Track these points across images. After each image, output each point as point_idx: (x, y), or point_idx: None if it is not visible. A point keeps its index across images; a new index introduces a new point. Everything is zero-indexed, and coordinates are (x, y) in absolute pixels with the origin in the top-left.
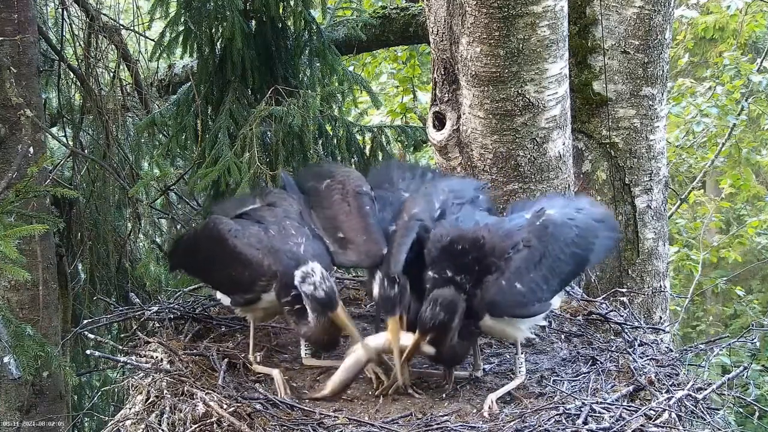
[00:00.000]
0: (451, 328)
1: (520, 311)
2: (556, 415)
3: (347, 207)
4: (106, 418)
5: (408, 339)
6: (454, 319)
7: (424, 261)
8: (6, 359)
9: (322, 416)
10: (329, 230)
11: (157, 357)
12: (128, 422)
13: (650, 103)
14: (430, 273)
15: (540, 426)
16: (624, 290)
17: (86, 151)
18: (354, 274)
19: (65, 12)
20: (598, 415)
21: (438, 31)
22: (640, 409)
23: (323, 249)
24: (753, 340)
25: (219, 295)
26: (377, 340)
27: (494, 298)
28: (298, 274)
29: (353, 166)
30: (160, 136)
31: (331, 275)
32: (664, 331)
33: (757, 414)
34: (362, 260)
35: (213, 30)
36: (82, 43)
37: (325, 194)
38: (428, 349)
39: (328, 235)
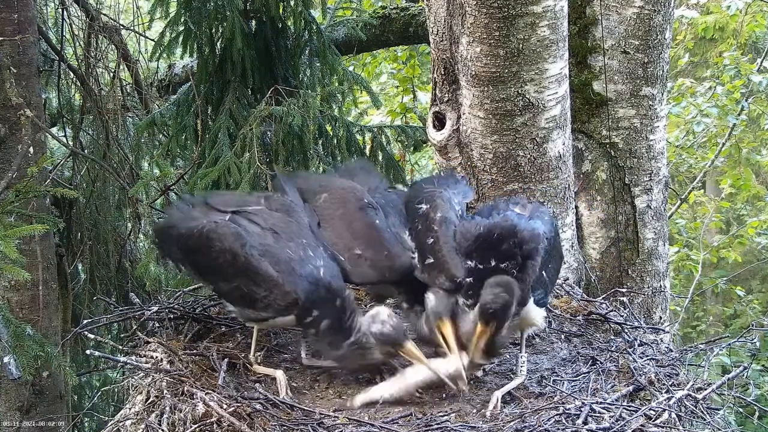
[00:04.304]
0: (510, 314)
1: (543, 300)
2: (556, 415)
3: (355, 222)
4: (106, 418)
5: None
6: (512, 303)
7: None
8: (6, 359)
9: (322, 416)
10: (341, 247)
11: (157, 357)
12: (128, 422)
13: (650, 103)
14: (469, 263)
15: (540, 426)
16: (624, 290)
17: (86, 151)
18: None
19: (65, 12)
20: (598, 415)
21: (438, 31)
22: (640, 409)
23: (338, 270)
24: (753, 340)
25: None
26: (446, 364)
27: (533, 286)
28: (364, 324)
29: (343, 167)
30: (160, 136)
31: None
32: (664, 331)
33: (757, 414)
34: (387, 276)
35: (213, 30)
36: (82, 43)
37: (325, 210)
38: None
39: (342, 253)
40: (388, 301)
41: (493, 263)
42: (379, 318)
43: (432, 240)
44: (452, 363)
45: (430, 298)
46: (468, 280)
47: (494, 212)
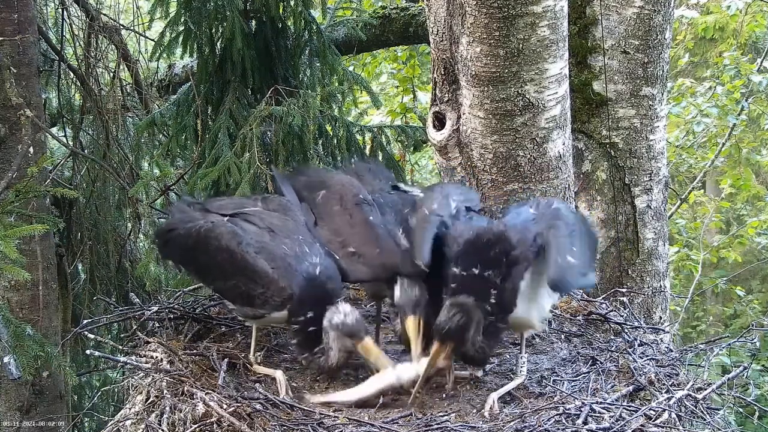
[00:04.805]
0: (467, 336)
1: (582, 282)
2: (556, 415)
3: (351, 218)
4: (106, 418)
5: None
6: (470, 327)
7: (441, 260)
8: (6, 359)
9: (322, 416)
10: (336, 245)
11: (157, 357)
12: (128, 422)
13: (650, 103)
14: (455, 270)
15: (540, 426)
16: (624, 290)
17: (86, 151)
18: None
19: (65, 12)
20: (598, 415)
21: (438, 31)
22: (640, 409)
23: (335, 267)
24: (753, 340)
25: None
26: (408, 371)
27: (556, 276)
28: (326, 317)
29: (353, 166)
30: (160, 136)
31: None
32: (664, 331)
33: (757, 414)
34: (379, 274)
35: (213, 30)
36: (82, 43)
37: (322, 207)
38: (444, 363)
39: (337, 250)
40: (387, 300)
41: (476, 271)
42: (341, 310)
43: (414, 224)
44: (411, 369)
45: (396, 291)
46: (452, 286)
47: (508, 213)
